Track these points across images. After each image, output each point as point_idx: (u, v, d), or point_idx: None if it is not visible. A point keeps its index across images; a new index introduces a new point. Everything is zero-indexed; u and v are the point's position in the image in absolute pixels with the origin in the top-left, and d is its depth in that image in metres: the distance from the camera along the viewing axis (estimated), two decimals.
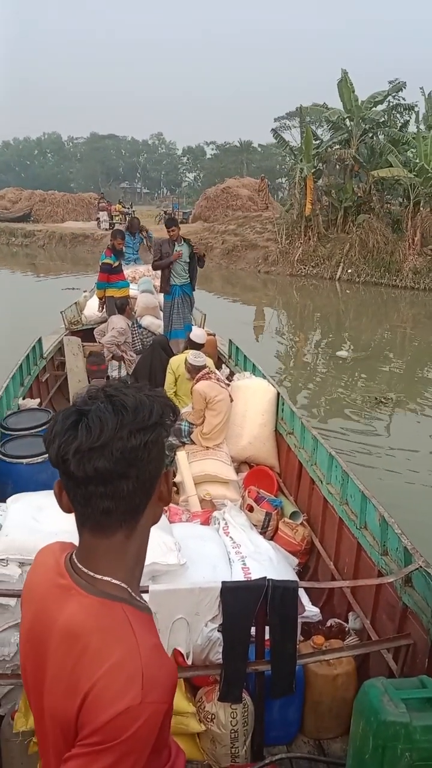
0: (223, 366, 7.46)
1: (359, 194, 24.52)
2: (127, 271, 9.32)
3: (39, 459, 4.28)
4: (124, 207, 36.00)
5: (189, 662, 2.72)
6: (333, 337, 15.34)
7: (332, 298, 21.45)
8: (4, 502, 3.36)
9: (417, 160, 21.96)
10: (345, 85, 23.97)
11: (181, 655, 2.70)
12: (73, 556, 1.12)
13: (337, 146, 24.21)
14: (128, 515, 1.07)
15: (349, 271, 23.24)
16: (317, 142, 24.70)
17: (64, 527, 2.94)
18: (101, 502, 1.03)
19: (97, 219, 35.27)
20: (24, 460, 4.24)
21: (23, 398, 5.92)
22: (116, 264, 8.43)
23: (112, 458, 1.00)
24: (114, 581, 1.07)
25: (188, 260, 8.09)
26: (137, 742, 0.94)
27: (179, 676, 2.70)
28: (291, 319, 18.76)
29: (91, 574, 1.07)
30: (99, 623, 1.02)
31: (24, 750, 2.57)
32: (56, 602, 1.07)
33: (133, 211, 34.88)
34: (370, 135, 24.18)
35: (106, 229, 33.17)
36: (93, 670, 0.97)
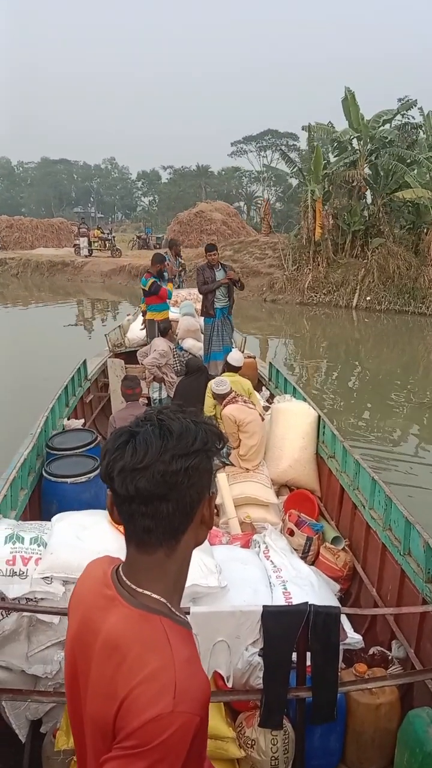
0: (263, 388, 7.47)
1: (366, 217, 23.61)
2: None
3: (83, 479, 4.36)
4: (103, 233, 35.06)
5: (229, 685, 2.71)
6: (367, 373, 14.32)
7: (347, 328, 20.17)
8: (50, 520, 3.42)
9: None
10: (352, 104, 22.96)
11: (222, 678, 2.69)
12: (120, 569, 1.18)
13: (344, 167, 23.03)
14: (168, 535, 1.12)
15: (368, 298, 21.92)
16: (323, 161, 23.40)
17: (107, 546, 3.00)
18: (142, 520, 1.09)
19: (76, 245, 33.99)
20: (68, 480, 4.32)
21: (68, 419, 6.05)
22: (153, 288, 8.53)
23: (153, 480, 1.06)
24: (154, 595, 1.12)
25: (227, 284, 8.20)
26: (169, 750, 0.97)
27: (219, 699, 2.69)
28: (304, 349, 17.15)
29: (134, 587, 1.13)
30: (138, 634, 1.07)
31: None
32: (101, 611, 1.13)
33: (113, 237, 34.64)
34: (376, 156, 22.85)
35: (86, 256, 32.42)
36: (130, 679, 1.02)
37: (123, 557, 1.21)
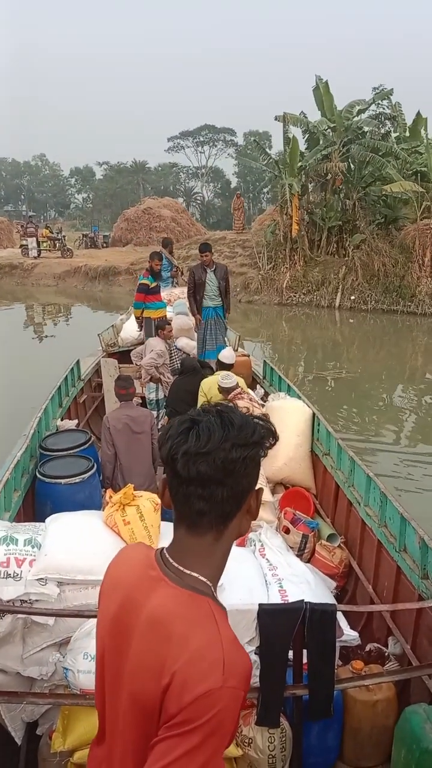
0: (258, 386, 7.46)
1: (342, 212, 22.49)
2: (163, 293, 9.45)
3: (77, 479, 4.34)
4: (52, 232, 33.18)
5: None
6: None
7: (330, 329, 19.10)
8: (44, 522, 3.40)
9: (425, 169, 20.35)
10: (325, 93, 21.88)
11: None
12: (165, 552, 1.23)
13: (319, 160, 21.58)
14: (219, 520, 1.18)
15: (352, 297, 20.86)
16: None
17: (102, 547, 2.99)
18: (198, 502, 1.15)
19: (23, 246, 31.33)
20: (62, 481, 4.30)
21: (61, 419, 6.03)
22: (153, 285, 8.55)
23: (214, 465, 1.12)
24: (201, 577, 1.17)
25: (219, 282, 8.21)
26: (219, 724, 1.01)
27: None
28: (281, 353, 16.07)
29: (181, 568, 1.17)
30: (186, 612, 1.12)
31: None
32: (145, 591, 1.17)
33: (64, 236, 33.04)
34: (349, 148, 21.30)
35: (35, 257, 30.29)
36: (178, 655, 1.06)
37: None
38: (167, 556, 1.21)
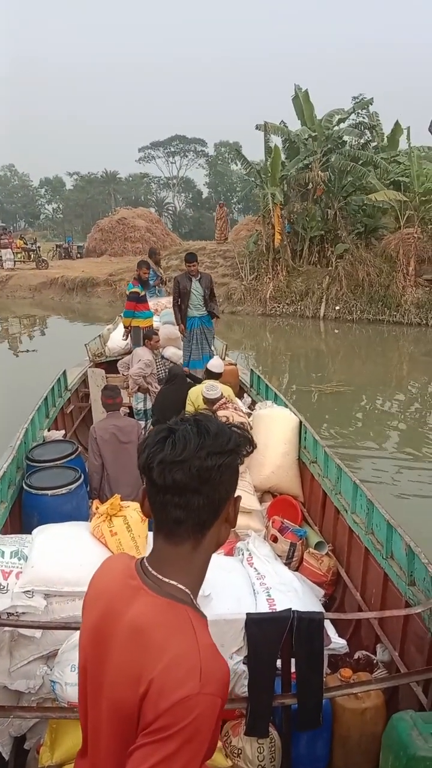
0: (245, 395, 7.48)
1: (323, 222, 22.43)
2: (150, 303, 9.47)
3: (64, 490, 4.32)
4: (26, 243, 32.89)
5: None
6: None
7: (314, 339, 18.87)
8: (30, 533, 3.39)
9: (405, 179, 20.38)
10: (305, 102, 21.83)
11: None
12: (144, 561, 1.24)
13: (301, 169, 21.44)
14: (197, 528, 1.18)
15: (337, 308, 20.75)
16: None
17: (89, 558, 2.98)
18: (174, 511, 1.16)
19: None
20: (49, 492, 4.28)
21: (48, 430, 6.00)
22: (142, 293, 8.57)
23: (189, 473, 1.13)
24: (179, 585, 1.18)
25: (204, 291, 8.24)
26: (196, 731, 1.02)
27: None
28: (265, 363, 15.64)
29: (160, 577, 1.18)
30: (164, 620, 1.12)
31: None
32: (125, 601, 1.18)
33: (38, 247, 32.59)
34: (329, 157, 21.14)
35: (11, 269, 29.81)
36: (156, 661, 1.07)
37: None
38: (147, 565, 1.21)
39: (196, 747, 1.02)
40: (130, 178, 76.20)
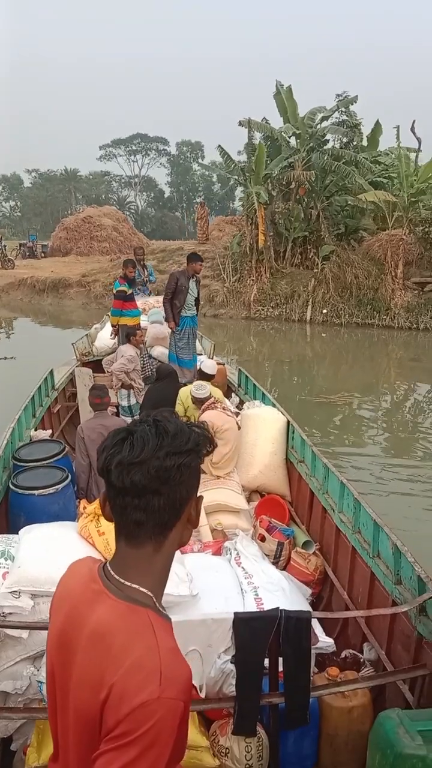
0: (233, 395, 7.49)
1: (307, 222, 21.95)
2: (138, 302, 9.44)
3: (51, 490, 4.30)
4: None
5: (202, 695, 2.70)
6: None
7: (300, 344, 18.37)
8: (17, 533, 3.37)
9: (394, 181, 20.33)
10: (288, 98, 21.11)
11: (194, 687, 2.68)
12: (107, 565, 1.23)
13: (284, 168, 20.79)
14: (157, 530, 1.17)
15: (324, 311, 20.35)
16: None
17: (76, 558, 2.95)
18: (134, 513, 1.15)
19: None
20: (36, 492, 4.26)
21: (35, 429, 5.97)
22: (129, 292, 8.54)
23: (148, 474, 1.12)
24: (141, 589, 1.17)
25: (197, 294, 8.23)
26: (157, 735, 1.01)
27: (192, 709, 2.67)
28: (248, 367, 14.44)
29: (122, 580, 1.17)
30: (125, 624, 1.11)
31: None
32: (88, 605, 1.17)
33: (4, 246, 31.96)
34: (311, 156, 20.64)
35: None
36: (117, 666, 1.06)
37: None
38: (109, 569, 1.21)
39: (158, 752, 1.01)
40: (91, 176, 75.70)
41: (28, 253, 34.79)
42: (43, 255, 34.66)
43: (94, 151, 74.47)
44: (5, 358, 15.32)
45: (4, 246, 32.24)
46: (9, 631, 2.76)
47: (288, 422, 5.58)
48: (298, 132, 21.18)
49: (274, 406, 6.06)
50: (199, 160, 70.21)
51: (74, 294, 26.06)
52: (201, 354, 8.90)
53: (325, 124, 21.70)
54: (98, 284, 25.73)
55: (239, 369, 7.87)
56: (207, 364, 6.55)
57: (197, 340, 8.79)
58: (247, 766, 2.69)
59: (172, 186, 76.22)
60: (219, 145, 22.18)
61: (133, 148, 73.38)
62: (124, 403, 7.40)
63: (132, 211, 70.99)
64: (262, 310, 21.21)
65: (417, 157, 20.74)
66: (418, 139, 20.68)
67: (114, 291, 8.70)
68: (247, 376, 7.38)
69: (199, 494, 1.24)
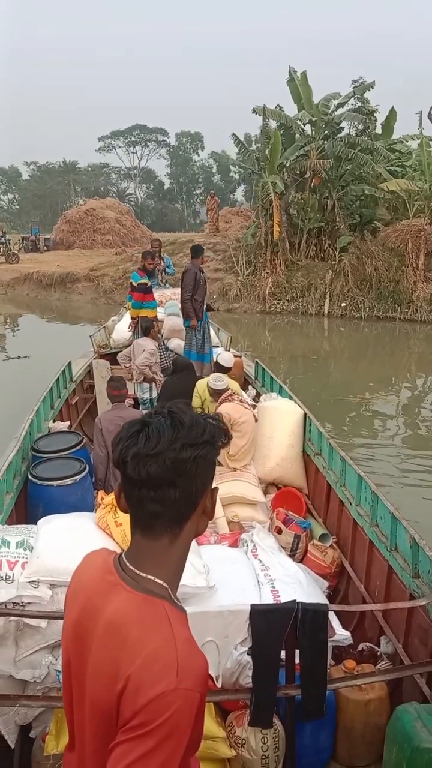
0: (250, 387, 7.48)
1: (322, 213, 21.17)
2: (155, 294, 9.44)
3: (69, 481, 4.33)
4: None
5: (219, 685, 2.71)
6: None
7: (317, 338, 17.75)
8: (36, 524, 3.40)
9: (407, 169, 19.85)
10: (303, 84, 20.32)
11: (211, 678, 2.69)
12: (123, 556, 1.23)
13: (299, 157, 20.15)
14: (174, 521, 1.17)
15: (343, 304, 19.69)
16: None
17: (94, 548, 2.98)
18: (151, 505, 1.15)
19: None
20: (54, 483, 4.30)
21: (53, 421, 6.01)
22: (149, 284, 8.55)
23: (164, 466, 1.12)
24: (157, 580, 1.17)
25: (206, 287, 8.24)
26: (175, 726, 1.01)
27: (209, 699, 2.69)
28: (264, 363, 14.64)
29: (137, 572, 1.17)
30: (140, 616, 1.11)
31: None
32: (103, 596, 1.17)
33: (9, 240, 31.50)
34: (328, 144, 19.91)
35: None
36: (133, 658, 1.06)
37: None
38: (125, 560, 1.21)
39: (175, 743, 1.02)
40: (90, 168, 74.86)
41: (30, 247, 34.41)
42: (45, 248, 34.33)
43: (93, 143, 74.01)
44: (18, 357, 15.28)
45: (8, 240, 31.75)
46: (28, 621, 2.79)
47: (305, 415, 5.56)
48: (314, 119, 20.45)
49: (290, 398, 6.04)
50: (199, 151, 69.92)
51: (82, 289, 25.38)
52: (218, 346, 8.89)
53: (340, 111, 21.01)
54: (107, 278, 24.88)
55: (256, 361, 7.85)
56: (224, 357, 6.54)
57: (214, 332, 8.78)
58: (264, 757, 2.70)
59: (171, 177, 75.30)
60: (233, 134, 21.55)
61: (133, 139, 72.53)
62: (146, 396, 7.41)
63: (132, 203, 70.38)
64: (278, 303, 20.56)
65: None
66: None
67: (134, 283, 8.67)
68: (263, 369, 7.37)
69: (214, 486, 1.24)
